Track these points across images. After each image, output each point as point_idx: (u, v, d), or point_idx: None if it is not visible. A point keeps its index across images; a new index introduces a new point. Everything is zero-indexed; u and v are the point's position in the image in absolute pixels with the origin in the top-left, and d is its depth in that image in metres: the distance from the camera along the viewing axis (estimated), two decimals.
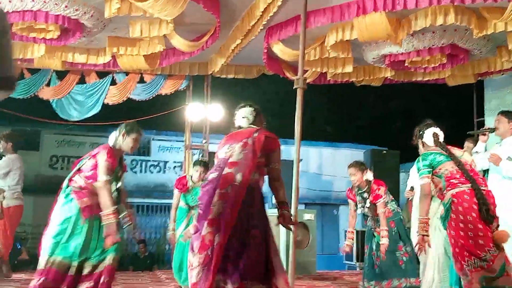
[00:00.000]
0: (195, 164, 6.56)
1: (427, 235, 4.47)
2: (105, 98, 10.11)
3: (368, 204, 6.08)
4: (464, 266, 4.29)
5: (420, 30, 6.97)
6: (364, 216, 6.45)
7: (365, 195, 6.16)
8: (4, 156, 7.49)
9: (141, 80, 10.26)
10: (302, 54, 6.01)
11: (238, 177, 3.68)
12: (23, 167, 7.61)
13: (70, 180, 4.68)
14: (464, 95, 11.03)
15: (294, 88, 6.06)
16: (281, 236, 9.05)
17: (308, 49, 7.86)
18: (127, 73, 10.10)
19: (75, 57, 8.81)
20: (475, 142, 6.30)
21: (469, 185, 4.35)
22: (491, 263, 4.23)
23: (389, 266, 6.09)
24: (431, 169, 4.52)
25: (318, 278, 8.48)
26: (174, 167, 15.47)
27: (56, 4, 6.74)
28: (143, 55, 8.51)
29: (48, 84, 9.92)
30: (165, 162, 15.61)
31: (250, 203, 3.70)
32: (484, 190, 4.37)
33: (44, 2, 6.68)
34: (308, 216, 10.94)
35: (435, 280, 5.50)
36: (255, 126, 4.09)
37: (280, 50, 8.03)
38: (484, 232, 4.25)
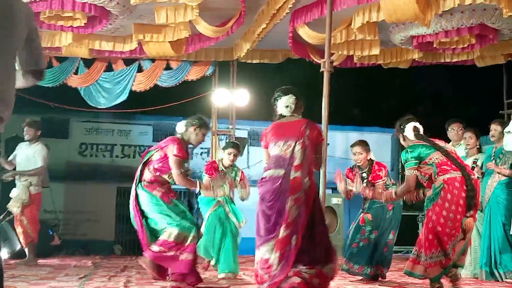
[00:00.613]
0: (227, 146, 6.49)
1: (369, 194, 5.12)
2: (132, 85, 10.19)
3: (365, 185, 5.91)
4: (427, 254, 4.39)
5: (448, 10, 6.83)
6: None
7: (364, 175, 6.06)
8: (31, 143, 7.63)
9: (168, 67, 10.32)
10: (328, 37, 5.98)
11: (307, 181, 3.95)
12: (48, 155, 7.75)
13: (141, 173, 4.94)
14: (493, 76, 10.83)
15: (320, 71, 6.04)
16: None
17: (334, 31, 7.79)
18: (153, 60, 10.17)
19: (102, 45, 8.89)
20: (502, 124, 6.20)
21: (459, 172, 4.51)
22: (450, 258, 4.43)
23: (371, 251, 5.96)
24: (419, 161, 4.59)
25: None
26: (201, 153, 15.55)
27: None
28: (169, 42, 8.53)
29: (76, 72, 10.05)
30: (192, 149, 15.67)
31: (314, 202, 3.99)
32: (472, 178, 4.54)
33: None
34: (336, 201, 10.95)
35: (467, 262, 5.52)
36: (296, 115, 4.20)
37: (306, 33, 7.98)
38: (458, 223, 4.44)
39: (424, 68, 10.51)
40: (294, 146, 3.98)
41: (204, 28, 7.86)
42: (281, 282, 3.78)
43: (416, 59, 9.48)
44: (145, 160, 4.97)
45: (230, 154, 6.30)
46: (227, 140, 10.77)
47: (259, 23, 8.19)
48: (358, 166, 6.11)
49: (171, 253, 4.71)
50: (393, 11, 6.69)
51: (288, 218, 3.85)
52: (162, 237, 4.77)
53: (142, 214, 4.90)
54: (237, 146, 6.50)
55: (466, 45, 8.30)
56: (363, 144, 6.14)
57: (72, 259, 8.55)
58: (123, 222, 13.78)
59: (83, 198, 12.71)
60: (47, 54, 9.59)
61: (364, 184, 5.83)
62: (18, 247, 8.43)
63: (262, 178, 4.06)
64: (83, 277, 5.93)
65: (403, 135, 4.88)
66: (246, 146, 12.27)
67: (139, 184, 4.93)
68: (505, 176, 6.06)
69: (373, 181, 5.96)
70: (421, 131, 4.81)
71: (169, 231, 4.75)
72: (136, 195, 4.93)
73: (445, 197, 4.45)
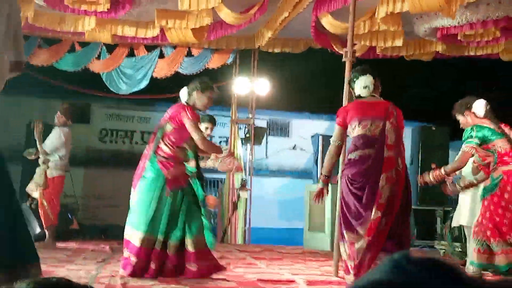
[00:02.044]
0: (203, 120, 6.12)
1: (431, 181, 4.71)
2: (154, 71, 10.21)
3: None
4: (497, 241, 4.32)
5: (474, 1, 6.74)
6: None
7: None
8: (57, 128, 7.71)
9: (189, 54, 10.31)
10: (351, 26, 5.91)
11: (399, 161, 3.87)
12: (71, 140, 7.82)
13: (156, 149, 4.66)
14: None
15: (342, 61, 5.98)
16: (326, 212, 9.04)
17: (357, 21, 7.71)
18: (175, 47, 10.16)
19: (124, 30, 8.91)
20: None
21: None
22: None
23: None
24: (481, 143, 4.47)
25: None
26: (220, 142, 15.58)
27: None
28: (191, 29, 8.52)
29: (98, 58, 10.09)
30: (211, 137, 15.71)
31: (405, 187, 3.92)
32: None
33: None
34: None
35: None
36: (376, 96, 4.15)
37: (328, 22, 7.91)
38: None
39: (447, 61, 10.37)
40: (384, 125, 3.92)
41: (226, 15, 7.83)
42: (369, 267, 3.67)
43: (439, 52, 9.36)
44: (160, 136, 4.71)
45: (206, 128, 6.15)
46: (247, 129, 10.77)
47: (281, 11, 8.14)
48: None
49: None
50: (418, 2, 6.60)
51: (381, 198, 3.76)
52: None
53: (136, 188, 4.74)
54: (213, 120, 6.33)
55: (491, 38, 8.18)
56: None
57: (91, 243, 8.62)
58: None
59: (103, 184, 12.81)
60: (70, 38, 9.67)
61: None
62: (38, 230, 8.53)
63: (350, 159, 3.96)
64: (101, 261, 5.98)
65: (468, 112, 4.73)
66: (265, 135, 12.26)
67: (153, 156, 4.65)
68: None
69: None
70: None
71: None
72: (145, 166, 4.69)
73: (504, 188, 4.42)
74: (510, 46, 8.94)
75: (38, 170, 7.64)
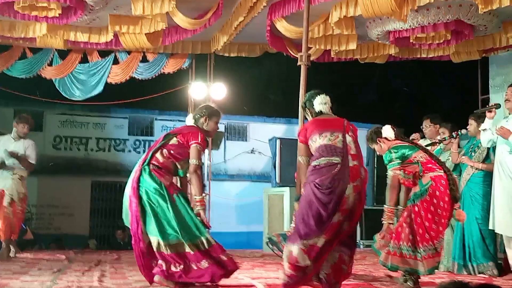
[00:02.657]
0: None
1: (392, 223, 4.81)
2: (108, 77, 10.08)
3: None
4: (419, 247, 4.52)
5: (424, 5, 6.87)
6: None
7: None
8: (19, 139, 7.52)
9: (144, 59, 10.21)
10: (306, 31, 5.98)
11: (362, 171, 4.09)
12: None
13: (152, 156, 4.66)
14: (468, 72, 10.95)
15: (298, 65, 6.03)
16: (285, 215, 9.08)
17: (311, 26, 7.78)
18: (129, 52, 10.06)
19: (77, 36, 8.76)
20: (478, 119, 6.25)
21: (442, 171, 4.71)
22: (439, 253, 4.67)
23: None
24: (402, 161, 4.72)
25: None
26: None
27: None
28: (146, 34, 8.45)
29: (50, 64, 9.89)
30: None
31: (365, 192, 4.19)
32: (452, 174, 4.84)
33: None
34: None
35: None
36: (331, 113, 4.37)
37: (283, 27, 7.96)
38: (444, 221, 4.66)
39: (400, 64, 10.57)
40: (344, 137, 4.11)
41: (181, 20, 7.79)
42: (324, 261, 3.95)
43: (392, 54, 9.53)
44: (160, 144, 4.70)
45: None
46: None
47: (236, 16, 8.15)
48: None
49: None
50: (370, 6, 6.71)
51: (345, 205, 3.94)
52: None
53: (140, 200, 4.58)
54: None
55: (442, 41, 8.36)
56: None
57: (46, 253, 8.43)
58: (98, 216, 13.66)
59: (57, 192, 12.58)
60: (20, 44, 9.46)
61: None
62: None
63: (315, 166, 4.05)
64: (56, 272, 5.86)
65: (380, 139, 4.95)
66: (223, 140, 12.25)
67: (146, 167, 4.63)
68: (479, 169, 6.13)
69: None
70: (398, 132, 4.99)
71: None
72: (139, 179, 4.62)
73: (434, 193, 4.63)
74: (460, 49, 9.16)
75: (11, 178, 7.41)
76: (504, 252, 5.94)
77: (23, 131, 7.53)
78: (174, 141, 4.70)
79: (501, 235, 5.87)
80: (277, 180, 10.06)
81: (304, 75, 5.97)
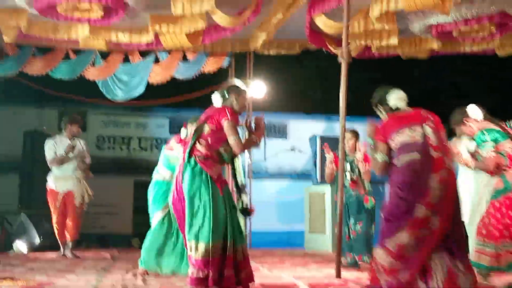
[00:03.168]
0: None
1: None
2: (149, 77, 10.16)
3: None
4: (498, 244, 4.38)
5: None
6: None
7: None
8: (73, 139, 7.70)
9: (184, 59, 10.27)
10: (346, 26, 5.90)
11: (447, 161, 3.88)
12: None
13: (192, 150, 4.42)
14: None
15: (338, 61, 5.96)
16: (327, 214, 9.00)
17: (351, 21, 7.68)
18: (169, 52, 10.12)
19: (118, 37, 8.84)
20: None
21: None
22: None
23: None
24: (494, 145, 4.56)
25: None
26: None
27: None
28: (186, 33, 8.48)
29: (93, 65, 10.03)
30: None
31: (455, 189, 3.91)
32: None
33: None
34: None
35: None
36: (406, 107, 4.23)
37: (323, 23, 7.88)
38: None
39: (444, 59, 10.34)
40: (423, 129, 3.96)
41: (220, 18, 7.79)
42: (420, 266, 3.68)
43: (435, 49, 9.33)
44: (195, 137, 4.45)
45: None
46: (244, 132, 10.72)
47: (275, 13, 8.11)
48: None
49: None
50: (412, 0, 6.58)
51: (429, 197, 3.74)
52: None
53: (184, 196, 4.35)
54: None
55: (486, 34, 8.15)
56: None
57: (90, 252, 8.56)
58: (141, 215, 13.76)
59: (101, 191, 12.69)
60: (63, 46, 9.62)
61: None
62: (37, 240, 8.49)
63: (396, 166, 3.98)
64: (101, 270, 5.94)
65: (467, 119, 4.78)
66: (263, 138, 12.21)
67: (190, 159, 4.37)
68: None
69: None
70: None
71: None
72: (183, 173, 4.38)
73: None
74: (505, 42, 8.91)
75: (78, 180, 7.67)
76: None
77: (77, 132, 7.71)
78: (207, 129, 4.45)
79: None
80: (318, 178, 10.00)
81: (345, 71, 5.89)
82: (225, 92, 4.61)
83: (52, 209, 7.71)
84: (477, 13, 7.33)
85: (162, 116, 13.56)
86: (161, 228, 5.58)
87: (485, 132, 4.62)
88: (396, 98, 4.22)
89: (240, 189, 4.67)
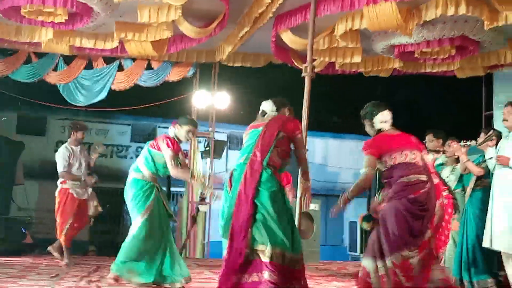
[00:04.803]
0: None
1: None
2: (112, 84, 10.09)
3: None
4: None
5: (430, 20, 6.91)
6: None
7: None
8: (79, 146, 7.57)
9: (148, 67, 10.23)
10: (311, 43, 5.97)
11: (441, 187, 4.31)
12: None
13: (270, 159, 4.24)
14: (472, 88, 10.94)
15: (302, 76, 6.03)
16: None
17: (317, 38, 7.80)
18: (134, 59, 10.08)
19: (82, 42, 8.78)
20: (487, 133, 6.21)
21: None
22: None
23: None
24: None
25: (322, 268, 8.47)
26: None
27: None
28: (151, 41, 8.46)
29: (55, 69, 9.92)
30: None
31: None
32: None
33: None
34: (313, 206, 10.92)
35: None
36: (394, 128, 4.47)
37: (288, 38, 7.98)
38: (447, 233, 4.94)
39: (404, 78, 10.55)
40: (422, 155, 4.28)
41: (186, 28, 7.81)
42: (427, 282, 4.01)
43: (397, 68, 9.54)
44: (275, 142, 4.29)
45: (188, 132, 5.62)
46: (206, 143, 10.72)
47: (242, 26, 8.17)
48: None
49: None
50: (376, 20, 6.73)
51: (434, 221, 4.10)
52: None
53: (254, 205, 4.11)
54: (195, 123, 5.90)
55: (446, 56, 8.37)
56: None
57: (44, 258, 8.40)
58: (98, 222, 13.59)
59: None
60: (26, 49, 9.48)
61: None
62: None
63: (403, 182, 4.15)
64: (54, 276, 5.84)
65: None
66: (225, 149, 12.23)
67: (268, 168, 4.21)
68: (479, 187, 6.15)
69: None
70: None
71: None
72: (259, 181, 4.16)
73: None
74: (465, 64, 9.16)
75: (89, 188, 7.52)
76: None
77: (82, 138, 7.56)
78: (281, 135, 4.33)
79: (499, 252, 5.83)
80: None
81: (308, 86, 5.96)
82: (279, 103, 4.68)
83: (63, 214, 7.33)
84: (438, 36, 7.51)
85: (124, 123, 13.48)
86: (140, 234, 5.21)
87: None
88: (381, 120, 4.41)
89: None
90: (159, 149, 5.40)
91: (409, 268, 3.94)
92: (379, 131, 4.41)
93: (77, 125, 7.61)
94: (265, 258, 3.98)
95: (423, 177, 4.14)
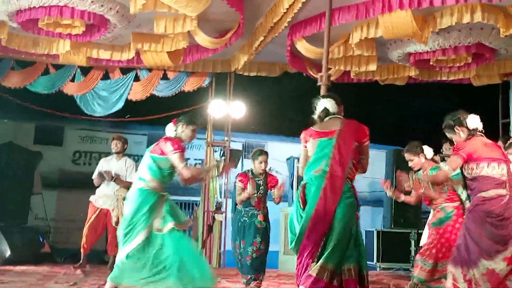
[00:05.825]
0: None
1: None
2: (129, 94, 10.18)
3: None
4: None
5: (445, 28, 6.89)
6: None
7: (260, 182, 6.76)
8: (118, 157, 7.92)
9: (164, 77, 10.31)
10: (326, 51, 5.99)
11: None
12: None
13: (350, 172, 4.15)
14: (489, 96, 10.86)
15: (317, 85, 6.05)
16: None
17: (332, 47, 7.81)
18: (150, 70, 10.16)
19: (99, 53, 8.87)
20: (505, 141, 6.19)
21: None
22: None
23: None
24: None
25: None
26: (195, 164, 15.50)
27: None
28: (167, 52, 8.53)
29: (72, 80, 10.04)
30: (186, 159, 15.62)
31: None
32: None
33: None
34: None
35: None
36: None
37: (304, 47, 7.99)
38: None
39: (420, 86, 10.53)
40: (508, 169, 4.30)
41: (202, 39, 7.86)
42: None
43: (412, 77, 9.51)
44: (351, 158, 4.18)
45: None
46: (222, 152, 10.74)
47: (257, 35, 8.21)
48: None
49: None
50: (391, 28, 6.72)
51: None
52: None
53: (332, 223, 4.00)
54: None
55: (462, 64, 8.33)
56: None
57: (62, 267, 8.47)
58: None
59: (75, 207, 12.59)
60: (43, 61, 9.60)
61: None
62: (8, 254, 8.36)
63: (485, 197, 4.21)
64: (72, 285, 5.88)
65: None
66: (241, 158, 12.25)
67: (347, 182, 4.11)
68: None
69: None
70: None
71: None
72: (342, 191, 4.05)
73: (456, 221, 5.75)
74: (481, 72, 9.11)
75: (118, 200, 7.51)
76: None
77: (122, 148, 7.75)
78: (355, 148, 4.22)
79: None
80: (294, 199, 10.01)
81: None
82: (337, 100, 4.57)
83: (87, 221, 7.77)
84: (454, 43, 7.49)
85: (140, 133, 13.54)
86: (139, 253, 4.68)
87: None
88: (474, 122, 4.46)
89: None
90: (162, 153, 4.95)
91: (496, 277, 4.03)
92: (474, 130, 4.44)
93: (114, 135, 7.82)
94: (352, 277, 3.97)
95: (502, 191, 4.18)
